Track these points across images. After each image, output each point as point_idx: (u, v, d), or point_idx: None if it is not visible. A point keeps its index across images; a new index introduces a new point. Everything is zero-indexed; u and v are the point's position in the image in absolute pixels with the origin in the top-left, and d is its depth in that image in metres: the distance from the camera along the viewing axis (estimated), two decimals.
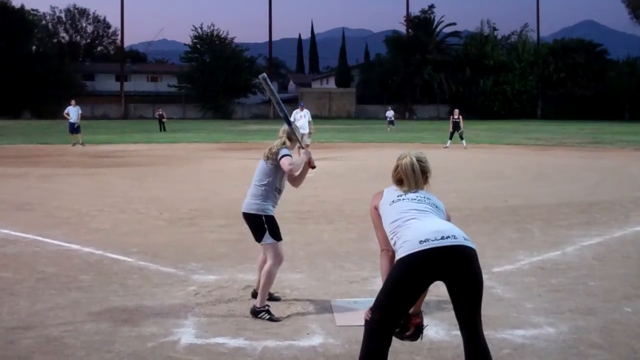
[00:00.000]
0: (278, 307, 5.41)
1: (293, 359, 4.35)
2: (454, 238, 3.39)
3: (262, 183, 5.32)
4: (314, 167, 5.58)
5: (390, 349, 4.45)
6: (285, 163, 5.22)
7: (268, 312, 5.18)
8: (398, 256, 3.46)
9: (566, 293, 5.87)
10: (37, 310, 5.36)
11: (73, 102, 28.36)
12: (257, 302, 5.26)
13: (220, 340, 4.69)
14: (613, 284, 6.20)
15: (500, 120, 67.34)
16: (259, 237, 5.32)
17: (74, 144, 26.69)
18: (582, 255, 7.35)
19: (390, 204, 3.74)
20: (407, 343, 4.56)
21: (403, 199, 3.73)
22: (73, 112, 27.38)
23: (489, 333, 4.79)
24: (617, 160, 20.70)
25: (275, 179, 5.33)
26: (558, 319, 5.14)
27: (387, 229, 3.66)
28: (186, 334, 4.81)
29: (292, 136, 5.49)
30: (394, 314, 3.41)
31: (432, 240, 3.36)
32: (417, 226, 3.49)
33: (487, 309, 5.38)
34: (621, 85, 74.56)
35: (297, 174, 5.48)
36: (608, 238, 8.33)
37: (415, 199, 3.73)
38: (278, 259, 5.29)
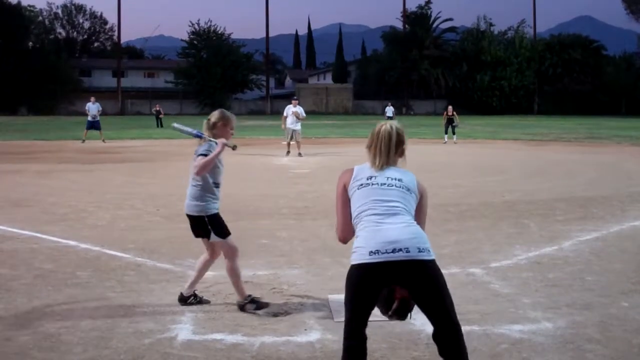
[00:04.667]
0: (276, 301, 5.40)
1: (290, 355, 4.35)
2: (407, 252, 3.28)
3: (197, 182, 5.10)
4: (234, 148, 5.35)
5: (388, 344, 4.47)
6: (197, 162, 4.95)
7: (252, 301, 5.18)
8: (351, 258, 3.40)
9: (563, 288, 5.88)
10: (34, 306, 5.35)
11: (93, 99, 28.12)
12: (238, 297, 5.25)
13: (217, 336, 4.68)
14: (610, 278, 6.21)
15: (497, 115, 67.36)
16: (204, 235, 5.23)
17: (84, 140, 26.38)
18: (579, 250, 7.35)
19: (358, 188, 3.61)
20: (404, 338, 4.57)
21: (372, 185, 3.57)
22: (93, 108, 27.22)
23: (486, 328, 4.81)
24: (614, 155, 20.72)
25: (208, 174, 5.10)
26: (555, 314, 5.14)
27: (353, 212, 3.59)
28: (183, 330, 4.80)
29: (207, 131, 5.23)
30: (358, 315, 3.38)
31: (382, 253, 3.28)
32: (372, 232, 3.38)
33: (485, 304, 5.39)
34: (618, 81, 74.71)
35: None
36: (605, 233, 8.33)
37: (384, 184, 3.56)
38: (232, 251, 5.21)
